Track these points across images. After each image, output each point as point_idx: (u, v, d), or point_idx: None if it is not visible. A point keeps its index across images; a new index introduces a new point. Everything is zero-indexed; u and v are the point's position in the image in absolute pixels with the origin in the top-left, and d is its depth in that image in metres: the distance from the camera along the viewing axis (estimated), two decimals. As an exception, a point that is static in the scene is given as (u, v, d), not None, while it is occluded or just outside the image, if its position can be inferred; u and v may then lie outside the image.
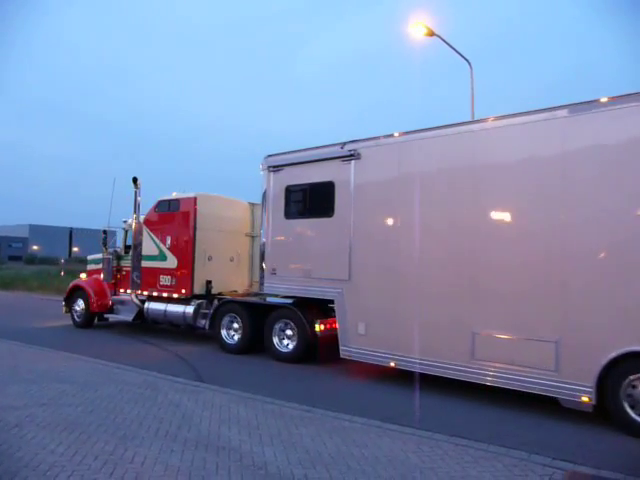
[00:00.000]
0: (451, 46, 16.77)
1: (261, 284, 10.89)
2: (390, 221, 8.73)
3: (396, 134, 8.78)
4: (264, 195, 10.80)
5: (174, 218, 12.72)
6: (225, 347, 11.41)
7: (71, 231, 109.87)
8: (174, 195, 13.15)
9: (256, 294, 12.18)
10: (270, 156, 10.76)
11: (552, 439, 6.25)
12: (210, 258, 12.61)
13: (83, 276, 15.26)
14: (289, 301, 10.58)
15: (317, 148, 10.01)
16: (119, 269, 14.34)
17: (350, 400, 7.80)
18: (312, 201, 9.98)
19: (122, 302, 14.10)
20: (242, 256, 13.67)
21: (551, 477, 4.86)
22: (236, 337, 11.34)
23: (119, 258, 14.36)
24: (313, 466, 4.97)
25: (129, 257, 14.10)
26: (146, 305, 13.11)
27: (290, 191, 10.33)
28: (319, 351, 10.20)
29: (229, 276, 13.21)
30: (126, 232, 14.42)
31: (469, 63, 17.09)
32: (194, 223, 12.33)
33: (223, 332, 11.51)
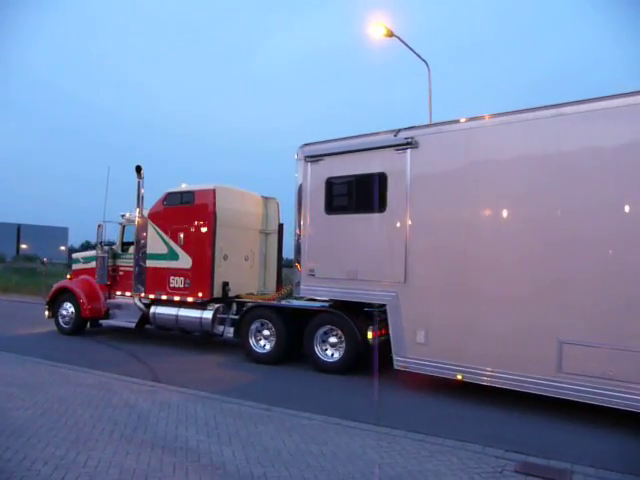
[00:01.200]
0: (409, 47, 16.82)
1: (296, 286, 9.85)
2: (457, 216, 7.86)
3: (462, 120, 7.93)
4: (299, 188, 9.76)
5: (188, 212, 11.45)
6: (254, 357, 10.30)
7: (19, 228, 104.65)
8: (184, 187, 11.90)
9: (278, 297, 11.15)
10: (307, 145, 9.74)
11: (506, 432, 6.39)
12: (226, 257, 11.45)
13: (68, 276, 13.74)
14: (324, 304, 9.71)
15: (363, 136, 9.08)
16: (115, 269, 12.95)
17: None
18: (359, 195, 9.03)
19: (119, 306, 12.73)
20: (256, 255, 12.58)
21: (504, 468, 5.07)
22: (267, 346, 10.25)
23: (115, 257, 12.96)
24: (272, 464, 4.99)
25: (127, 256, 12.80)
26: (152, 310, 11.81)
27: (332, 184, 9.34)
28: (373, 361, 9.27)
29: (244, 277, 12.10)
30: (123, 228, 13.05)
31: (427, 64, 17.21)
32: (213, 218, 11.12)
33: (251, 340, 10.39)
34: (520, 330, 7.22)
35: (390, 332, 8.53)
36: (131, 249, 12.69)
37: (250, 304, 10.72)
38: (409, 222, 8.33)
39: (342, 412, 6.86)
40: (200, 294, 11.16)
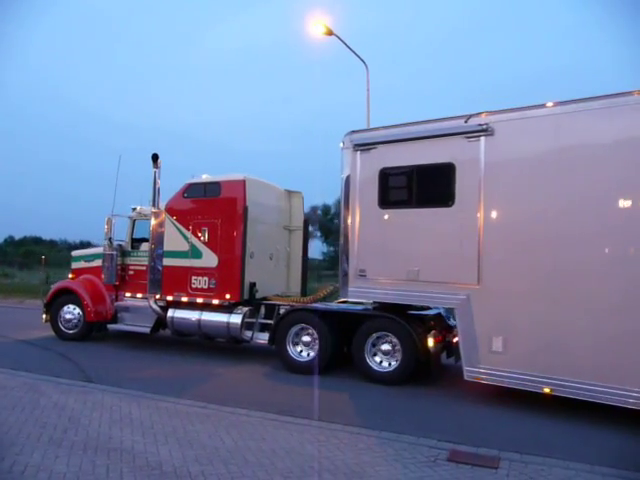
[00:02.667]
0: (348, 46, 16.58)
1: (342, 288, 8.92)
2: (544, 209, 7.07)
3: (550, 104, 7.15)
4: (346, 180, 8.84)
5: (213, 205, 10.39)
6: (293, 366, 9.31)
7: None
8: (205, 177, 10.83)
9: (312, 298, 10.20)
10: (355, 132, 8.82)
11: (438, 423, 6.63)
12: (252, 255, 10.43)
13: (71, 276, 12.46)
14: (368, 307, 9.00)
15: (424, 122, 8.22)
16: (123, 268, 11.77)
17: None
18: (421, 187, 8.16)
19: (129, 309, 11.57)
20: (281, 253, 11.60)
21: (437, 457, 5.28)
22: (309, 353, 9.30)
23: (123, 254, 11.78)
24: (210, 462, 4.95)
25: (138, 253, 11.65)
26: (170, 313, 10.70)
27: (387, 175, 8.45)
28: (433, 370, 8.45)
29: (269, 277, 11.10)
30: (134, 222, 11.87)
31: (365, 64, 17.02)
32: (244, 212, 10.09)
33: (289, 348, 9.42)
34: (621, 337, 6.48)
35: (460, 339, 7.72)
36: (143, 246, 11.56)
37: (289, 307, 9.73)
38: (483, 217, 7.51)
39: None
40: (228, 296, 10.12)
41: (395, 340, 8.49)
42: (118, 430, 5.76)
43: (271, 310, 10.36)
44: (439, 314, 9.42)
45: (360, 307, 9.42)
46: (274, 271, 11.38)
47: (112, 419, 6.13)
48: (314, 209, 55.37)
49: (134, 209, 11.77)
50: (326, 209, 57.86)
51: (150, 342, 11.86)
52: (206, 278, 10.32)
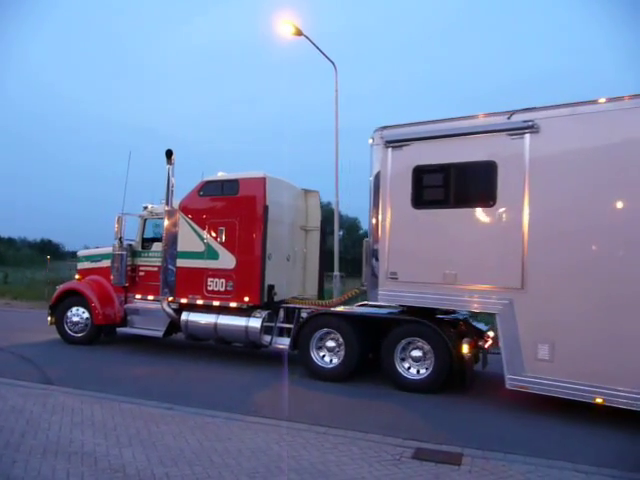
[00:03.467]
0: (317, 47, 16.36)
1: (371, 291, 8.51)
2: (597, 210, 6.72)
3: (602, 100, 6.80)
4: (376, 177, 8.44)
5: (231, 204, 9.93)
6: (317, 373, 8.88)
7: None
8: (221, 175, 10.36)
9: (337, 302, 9.79)
10: (387, 128, 8.41)
11: (403, 422, 6.71)
12: (270, 257, 9.98)
13: (78, 277, 11.92)
14: (393, 311, 8.73)
15: (462, 119, 7.84)
16: (133, 269, 11.26)
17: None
18: (459, 186, 7.79)
19: (138, 312, 11.08)
20: (298, 254, 11.17)
21: (402, 455, 5.35)
22: (333, 359, 8.87)
23: (133, 255, 11.28)
24: (175, 464, 4.90)
25: (148, 253, 11.15)
26: (184, 316, 10.21)
27: (421, 173, 8.06)
28: (467, 378, 8.06)
29: (287, 279, 10.66)
30: (144, 221, 11.36)
31: (334, 65, 16.84)
32: (264, 211, 9.64)
33: (313, 353, 8.98)
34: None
35: (501, 346, 7.34)
36: (154, 246, 11.07)
37: (313, 311, 9.29)
38: (528, 217, 7.15)
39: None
40: (246, 299, 9.66)
41: (427, 346, 8.10)
42: (79, 433, 5.63)
43: (290, 314, 9.94)
44: (466, 318, 9.06)
45: (385, 311, 9.03)
46: (291, 273, 10.94)
47: (73, 422, 5.99)
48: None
49: (145, 208, 11.26)
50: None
51: (141, 345, 11.49)
52: (223, 280, 9.86)
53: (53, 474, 4.57)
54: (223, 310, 9.94)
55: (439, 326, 8.10)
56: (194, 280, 10.10)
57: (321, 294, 11.42)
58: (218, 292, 9.89)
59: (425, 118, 8.08)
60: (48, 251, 57.86)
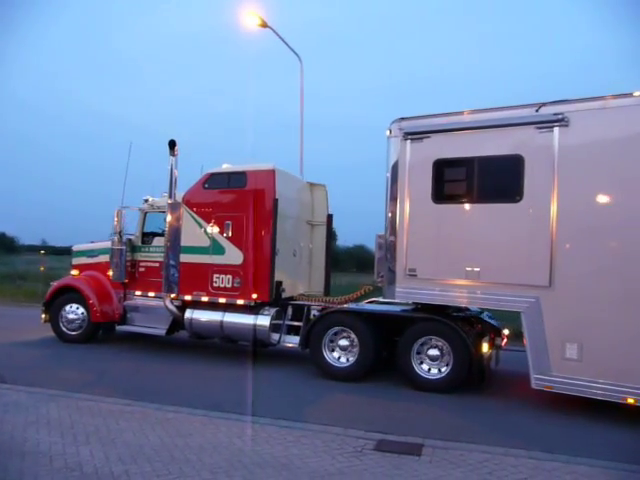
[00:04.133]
0: (282, 39, 16.18)
1: (387, 288, 8.24)
2: (628, 207, 6.52)
3: (637, 93, 6.59)
4: (394, 170, 8.15)
5: (239, 197, 9.54)
6: (330, 372, 8.59)
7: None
8: (226, 167, 9.96)
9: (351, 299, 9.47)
10: (405, 119, 8.11)
11: (366, 415, 6.74)
12: (277, 252, 9.64)
13: (74, 273, 11.44)
14: (406, 309, 8.48)
15: (487, 111, 7.58)
16: (133, 264, 10.82)
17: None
18: (482, 181, 7.53)
19: (139, 309, 10.66)
20: (304, 249, 10.85)
21: (364, 447, 5.41)
22: (348, 359, 8.58)
23: (133, 250, 10.84)
24: (134, 461, 4.84)
25: (149, 248, 10.74)
26: (188, 314, 9.83)
27: (443, 167, 7.80)
28: (485, 376, 7.85)
29: (293, 275, 10.34)
30: (144, 215, 10.93)
31: (299, 58, 16.64)
32: (273, 205, 9.28)
33: (326, 353, 8.68)
34: None
35: (527, 345, 7.13)
36: (155, 241, 10.66)
37: (326, 308, 8.98)
38: (556, 213, 6.93)
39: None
40: (254, 296, 9.32)
41: (445, 345, 7.86)
42: (34, 432, 5.49)
43: (299, 311, 9.63)
44: (480, 315, 8.86)
45: (398, 308, 8.78)
46: (297, 269, 10.62)
47: (27, 421, 5.82)
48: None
49: (146, 200, 10.81)
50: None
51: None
52: (230, 276, 9.49)
53: (6, 475, 4.46)
54: (229, 307, 9.58)
55: (457, 324, 7.87)
56: (199, 276, 9.72)
57: (327, 291, 11.12)
58: (224, 289, 9.52)
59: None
60: (2, 244, 56.28)
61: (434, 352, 8.01)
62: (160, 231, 10.83)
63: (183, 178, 10.10)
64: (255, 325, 9.29)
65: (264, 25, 15.66)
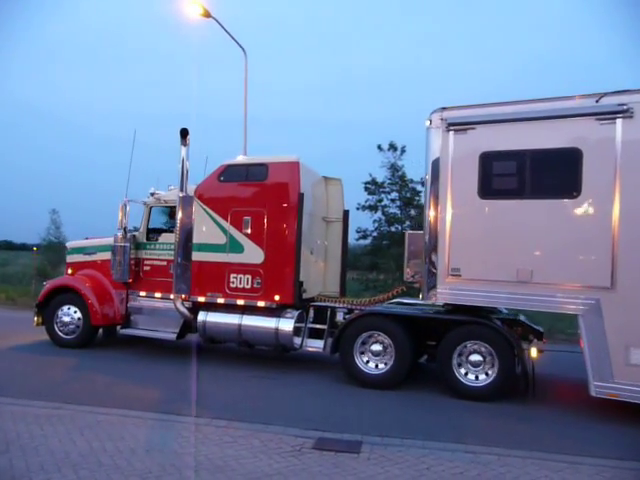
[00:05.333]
0: (226, 31, 15.73)
1: (428, 289, 7.71)
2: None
3: None
4: (434, 164, 7.63)
5: (259, 191, 8.87)
6: (364, 380, 8.00)
7: None
8: (241, 159, 9.29)
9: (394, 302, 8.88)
10: (448, 109, 7.60)
11: (307, 411, 6.68)
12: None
13: (70, 271, 10.53)
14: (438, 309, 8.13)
15: (539, 101, 7.13)
16: (137, 263, 10.01)
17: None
18: (535, 175, 7.07)
19: (145, 311, 9.87)
20: (320, 247, 10.23)
21: (302, 446, 5.35)
22: (378, 365, 8.02)
23: (137, 247, 10.03)
24: (58, 469, 4.59)
25: (155, 245, 9.95)
26: (202, 317, 9.09)
27: (489, 160, 7.31)
28: (533, 384, 7.41)
29: (312, 275, 9.71)
30: (150, 210, 10.12)
31: (244, 51, 16.30)
32: (298, 200, 8.64)
33: (357, 359, 8.10)
34: None
35: (585, 350, 6.70)
36: (162, 237, 9.89)
37: (358, 311, 8.38)
38: (619, 209, 6.53)
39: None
40: (277, 297, 8.65)
41: (490, 350, 7.40)
42: None
43: (321, 313, 9.02)
44: (518, 318, 8.43)
45: (432, 310, 8.30)
46: (315, 267, 9.99)
47: None
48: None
49: (152, 194, 10.00)
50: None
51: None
52: (249, 276, 8.81)
53: None
54: (247, 310, 8.90)
55: (504, 327, 7.43)
56: (214, 276, 9.01)
57: (343, 291, 10.54)
58: (243, 290, 8.83)
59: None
60: None
61: (476, 357, 7.54)
62: (165, 227, 10.09)
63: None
64: (277, 329, 8.65)
65: (207, 15, 14.97)
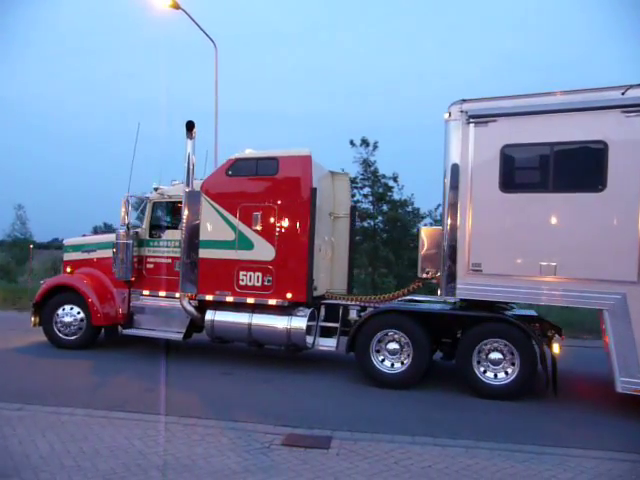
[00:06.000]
0: (196, 23, 15.53)
1: (446, 284, 7.54)
2: None
3: None
4: (453, 157, 7.46)
5: (270, 186, 8.61)
6: (381, 380, 7.81)
7: None
8: (249, 152, 8.99)
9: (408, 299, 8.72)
10: (468, 101, 7.44)
11: (277, 408, 6.60)
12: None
13: (69, 270, 10.15)
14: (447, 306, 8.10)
15: (562, 93, 7.01)
16: (140, 260, 9.68)
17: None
18: (559, 169, 6.95)
19: (149, 310, 9.54)
20: (327, 244, 10.01)
21: (272, 443, 5.31)
22: (393, 364, 7.84)
23: (139, 244, 9.70)
24: (17, 473, 4.42)
25: (159, 242, 9.63)
26: (210, 316, 8.81)
27: (512, 153, 7.20)
28: (555, 381, 7.29)
29: (321, 272, 9.48)
30: (153, 205, 9.78)
31: (214, 44, 16.18)
32: (311, 195, 8.41)
33: (374, 358, 7.91)
34: None
35: (610, 346, 6.61)
36: (166, 233, 9.58)
37: (373, 309, 8.18)
38: (646, 205, 6.44)
39: None
40: (289, 295, 8.42)
41: (511, 347, 7.28)
42: None
43: (331, 311, 8.81)
44: (531, 313, 8.34)
45: (447, 306, 8.17)
46: (322, 264, 9.76)
47: None
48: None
49: (156, 189, 9.66)
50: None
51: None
52: (259, 274, 8.55)
53: None
54: (256, 308, 8.65)
55: (526, 324, 7.31)
56: (222, 274, 8.73)
57: (350, 288, 10.35)
58: (253, 287, 8.57)
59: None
60: None
61: (496, 355, 7.40)
62: (169, 223, 9.78)
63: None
64: (290, 328, 8.40)
65: (176, 7, 14.73)
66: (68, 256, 10.42)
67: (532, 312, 8.41)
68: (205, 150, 10.86)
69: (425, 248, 8.31)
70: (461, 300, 7.94)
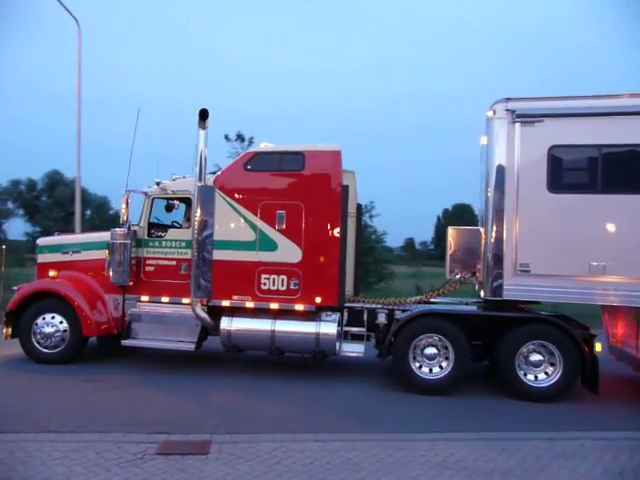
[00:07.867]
0: (60, 1, 15.02)
1: (491, 285, 7.38)
2: None
3: None
4: (499, 156, 7.34)
5: (295, 183, 8.02)
6: (421, 386, 7.52)
7: None
8: (264, 146, 8.35)
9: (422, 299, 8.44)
10: (514, 100, 7.34)
11: (150, 415, 6.19)
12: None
13: (52, 274, 8.88)
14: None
15: (611, 97, 7.16)
16: (137, 262, 8.66)
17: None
18: (609, 170, 7.03)
19: (149, 318, 8.50)
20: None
21: (145, 452, 4.99)
22: (435, 369, 7.56)
23: (137, 244, 8.69)
24: None
25: (160, 243, 8.69)
26: (226, 323, 8.04)
27: (560, 153, 7.19)
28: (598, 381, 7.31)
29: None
30: (152, 202, 8.79)
31: (77, 22, 15.54)
32: (342, 193, 7.92)
33: (412, 364, 7.57)
34: None
35: (660, 344, 6.77)
36: (169, 233, 8.67)
37: (411, 312, 7.82)
38: (695, 207, 6.64)
39: None
40: (318, 300, 7.87)
41: (554, 349, 7.24)
42: None
43: (355, 315, 8.37)
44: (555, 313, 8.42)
45: (471, 308, 8.11)
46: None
47: None
48: (15, 183, 52.50)
49: (158, 183, 8.67)
50: (31, 184, 53.81)
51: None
52: (284, 277, 7.94)
53: None
54: (278, 314, 8.04)
55: (569, 325, 7.32)
56: (241, 277, 8.03)
57: (357, 290, 9.95)
58: (277, 292, 7.95)
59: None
60: None
61: (537, 357, 7.35)
62: (170, 221, 8.88)
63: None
64: (319, 333, 7.87)
65: None
66: (44, 258, 9.13)
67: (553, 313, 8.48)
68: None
69: (453, 249, 8.13)
70: (484, 301, 7.86)
